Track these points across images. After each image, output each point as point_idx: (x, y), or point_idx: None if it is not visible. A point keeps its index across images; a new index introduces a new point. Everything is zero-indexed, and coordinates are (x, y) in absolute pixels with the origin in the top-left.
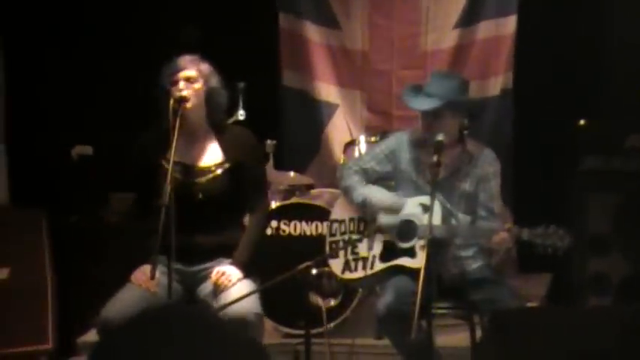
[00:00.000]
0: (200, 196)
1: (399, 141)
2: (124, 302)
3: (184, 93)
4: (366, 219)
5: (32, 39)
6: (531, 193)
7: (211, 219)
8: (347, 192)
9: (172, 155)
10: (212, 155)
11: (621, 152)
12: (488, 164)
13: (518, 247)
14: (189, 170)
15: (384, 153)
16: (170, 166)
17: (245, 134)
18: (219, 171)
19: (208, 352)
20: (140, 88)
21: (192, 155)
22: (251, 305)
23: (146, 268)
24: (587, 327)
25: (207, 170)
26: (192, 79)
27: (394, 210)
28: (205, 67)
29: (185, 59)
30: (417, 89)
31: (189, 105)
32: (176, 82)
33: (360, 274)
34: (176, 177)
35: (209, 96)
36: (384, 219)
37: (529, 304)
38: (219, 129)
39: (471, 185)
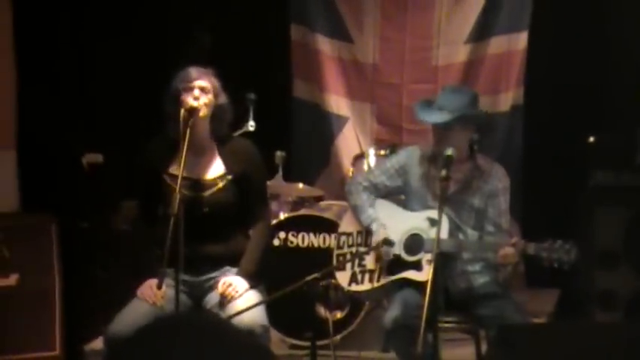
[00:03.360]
0: (206, 209)
1: (410, 156)
2: (130, 317)
3: (196, 103)
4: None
5: (44, 47)
6: (541, 208)
7: (217, 230)
8: (355, 210)
9: (182, 164)
10: (215, 168)
11: (631, 168)
12: (497, 180)
13: (526, 262)
14: (194, 184)
15: (394, 168)
16: (180, 175)
17: (246, 145)
18: (222, 183)
19: (218, 358)
20: (151, 96)
21: (197, 169)
22: (257, 317)
23: (152, 282)
24: (594, 343)
25: (211, 183)
26: (206, 89)
27: (391, 243)
28: (216, 81)
29: (199, 70)
30: (429, 103)
31: (200, 114)
32: (190, 90)
33: (366, 286)
34: (181, 191)
35: (217, 111)
36: (391, 233)
37: (535, 320)
38: (221, 141)
39: (480, 200)
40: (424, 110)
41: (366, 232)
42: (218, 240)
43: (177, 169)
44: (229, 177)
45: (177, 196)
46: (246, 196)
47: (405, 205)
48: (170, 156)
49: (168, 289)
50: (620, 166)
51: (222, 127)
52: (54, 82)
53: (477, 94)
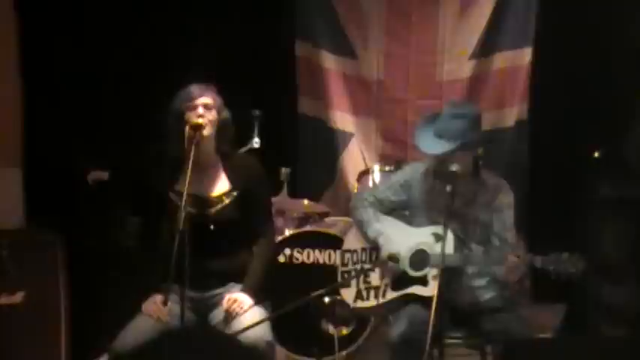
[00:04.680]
0: (212, 227)
1: (415, 171)
2: (136, 333)
3: (201, 120)
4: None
5: (50, 64)
6: (547, 223)
7: (222, 246)
8: (361, 226)
9: (187, 181)
10: (221, 185)
11: (638, 182)
12: (502, 194)
13: (532, 277)
14: (200, 201)
15: (399, 183)
16: (185, 192)
17: (250, 162)
18: (227, 200)
19: None
20: (157, 113)
21: (202, 185)
22: (262, 333)
23: (157, 298)
24: (601, 358)
25: (217, 200)
26: (209, 106)
27: (397, 260)
28: (218, 97)
29: (201, 87)
30: (431, 120)
31: (205, 132)
32: (194, 108)
33: (372, 302)
34: (187, 208)
35: (221, 127)
36: (397, 249)
37: (542, 335)
38: (225, 157)
39: (485, 215)
40: (424, 138)
41: (371, 248)
42: (223, 256)
43: (182, 187)
44: (234, 193)
45: (183, 214)
46: (251, 212)
47: (409, 221)
48: (175, 173)
49: (173, 305)
50: (626, 181)
51: (227, 143)
52: (59, 99)
53: (478, 114)
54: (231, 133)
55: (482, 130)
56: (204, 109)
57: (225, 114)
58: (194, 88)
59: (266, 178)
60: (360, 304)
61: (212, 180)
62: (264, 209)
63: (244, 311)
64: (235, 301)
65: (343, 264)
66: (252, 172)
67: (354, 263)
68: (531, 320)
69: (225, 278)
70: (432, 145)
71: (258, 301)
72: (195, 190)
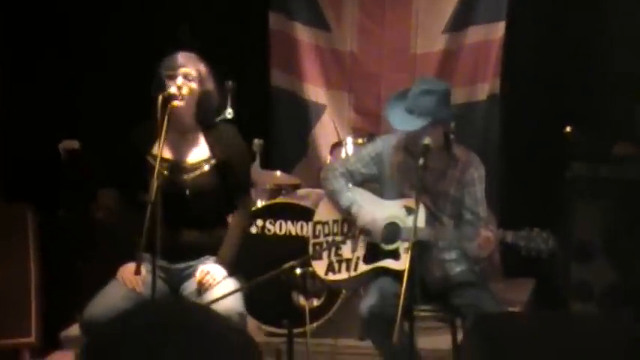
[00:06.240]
0: (187, 192)
1: (386, 144)
2: (108, 300)
3: (174, 90)
4: (349, 221)
5: (19, 35)
6: (518, 199)
7: (198, 216)
8: (332, 195)
9: (160, 151)
10: (199, 152)
11: (609, 159)
12: (473, 169)
13: (502, 252)
14: (176, 167)
15: (370, 155)
16: (157, 162)
17: (231, 131)
18: (206, 167)
19: (202, 345)
20: (127, 82)
21: (180, 152)
22: (234, 305)
23: (132, 266)
24: (570, 333)
25: (194, 167)
26: (190, 76)
27: (369, 231)
28: (203, 67)
29: (185, 56)
30: (401, 97)
31: (180, 103)
32: (174, 77)
33: (343, 275)
34: (163, 173)
35: (202, 97)
36: (368, 221)
37: (511, 309)
38: (207, 126)
39: (456, 189)
40: (395, 114)
41: (343, 220)
42: (198, 227)
43: (161, 151)
44: (213, 161)
45: (155, 183)
46: (228, 183)
47: (380, 193)
48: (154, 139)
49: (147, 275)
50: (597, 158)
51: (208, 113)
52: (30, 70)
53: (448, 90)
54: (214, 104)
55: (453, 104)
56: (184, 79)
57: (209, 86)
58: (177, 57)
59: (247, 151)
60: (331, 276)
61: (190, 146)
62: (243, 181)
63: (217, 283)
64: (208, 273)
65: (314, 236)
66: (233, 144)
67: (326, 235)
68: (501, 294)
69: (200, 250)
70: (403, 121)
71: (232, 273)
72: (173, 155)
